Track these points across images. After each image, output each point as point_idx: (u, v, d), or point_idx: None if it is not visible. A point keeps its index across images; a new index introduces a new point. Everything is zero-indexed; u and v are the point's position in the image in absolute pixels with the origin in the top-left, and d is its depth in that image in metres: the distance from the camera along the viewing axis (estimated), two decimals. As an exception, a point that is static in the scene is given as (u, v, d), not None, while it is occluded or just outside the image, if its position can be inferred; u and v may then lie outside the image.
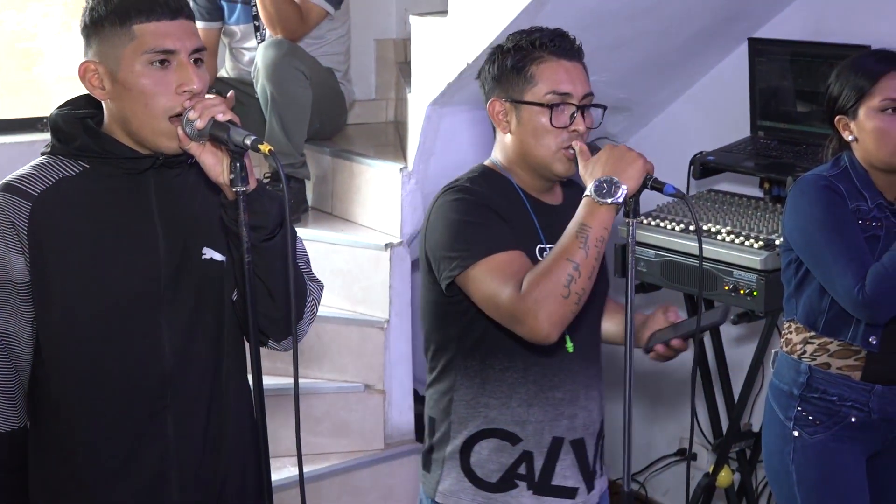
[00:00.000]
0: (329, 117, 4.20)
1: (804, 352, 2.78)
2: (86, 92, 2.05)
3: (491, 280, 2.14)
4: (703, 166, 3.56)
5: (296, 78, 3.87)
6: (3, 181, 2.01)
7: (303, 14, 4.01)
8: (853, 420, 2.73)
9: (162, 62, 1.96)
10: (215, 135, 1.94)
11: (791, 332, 2.83)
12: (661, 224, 3.35)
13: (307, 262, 2.24)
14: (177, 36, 1.97)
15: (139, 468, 2.07)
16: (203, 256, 2.09)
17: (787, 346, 2.83)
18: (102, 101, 2.03)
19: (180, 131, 1.94)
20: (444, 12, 3.47)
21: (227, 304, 2.13)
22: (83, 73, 2.00)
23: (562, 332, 2.12)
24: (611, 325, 2.50)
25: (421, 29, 3.65)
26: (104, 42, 1.97)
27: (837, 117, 2.74)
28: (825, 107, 2.78)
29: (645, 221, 3.37)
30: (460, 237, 2.20)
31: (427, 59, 3.59)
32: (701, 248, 2.14)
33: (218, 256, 2.09)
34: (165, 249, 2.05)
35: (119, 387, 2.04)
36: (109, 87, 1.99)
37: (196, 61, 1.99)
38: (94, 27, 1.98)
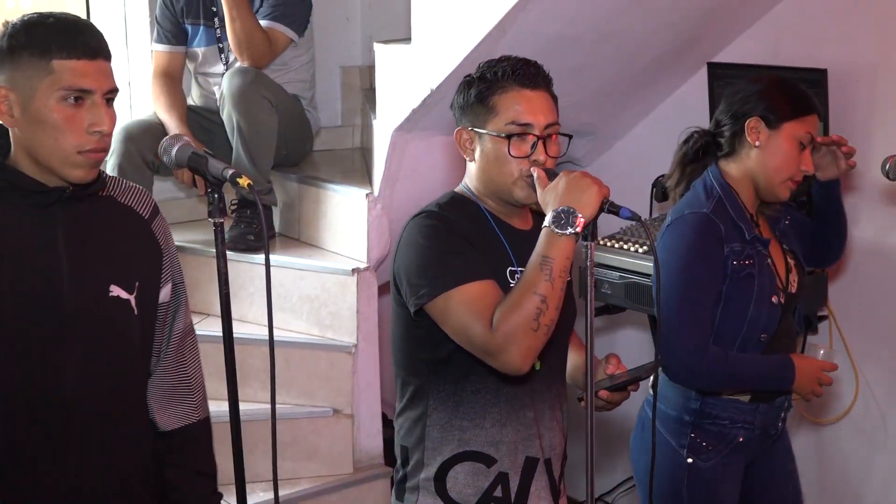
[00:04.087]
0: (295, 144, 4.22)
1: None
2: None
3: (463, 313, 2.15)
4: (665, 190, 3.60)
5: (262, 105, 3.88)
6: None
7: (270, 41, 4.03)
8: (741, 440, 2.77)
9: (76, 99, 1.98)
10: (193, 166, 1.96)
11: None
12: (625, 246, 3.38)
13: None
14: (94, 77, 1.99)
15: (39, 498, 2.06)
16: (110, 293, 2.09)
17: None
18: (9, 129, 2.03)
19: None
20: (408, 40, 3.50)
21: (136, 342, 2.14)
22: None
23: (533, 362, 2.15)
24: (576, 358, 2.50)
25: (385, 56, 3.69)
26: (19, 70, 1.98)
27: (753, 118, 2.67)
28: (738, 98, 2.70)
29: (609, 244, 3.40)
30: (429, 264, 2.20)
31: (391, 85, 3.62)
32: (657, 270, 2.17)
33: (124, 295, 2.10)
34: (70, 284, 2.04)
35: (18, 419, 2.03)
36: (19, 115, 1.99)
37: (108, 101, 2.02)
38: (10, 53, 1.98)
